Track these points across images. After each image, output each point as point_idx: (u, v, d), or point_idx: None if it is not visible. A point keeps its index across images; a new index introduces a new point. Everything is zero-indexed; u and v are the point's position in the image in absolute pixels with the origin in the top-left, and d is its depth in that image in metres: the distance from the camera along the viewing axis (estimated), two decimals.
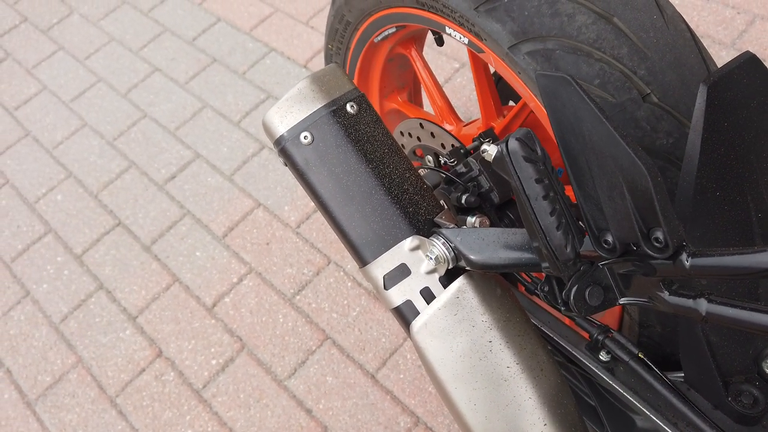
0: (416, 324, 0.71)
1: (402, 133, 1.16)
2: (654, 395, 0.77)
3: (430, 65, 1.21)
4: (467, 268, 0.72)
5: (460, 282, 0.72)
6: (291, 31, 2.13)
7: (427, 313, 0.71)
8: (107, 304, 1.65)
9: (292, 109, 0.75)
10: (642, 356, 0.78)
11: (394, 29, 1.09)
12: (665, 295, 0.56)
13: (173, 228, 1.76)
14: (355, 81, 1.25)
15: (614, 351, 0.79)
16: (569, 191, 0.82)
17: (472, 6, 0.81)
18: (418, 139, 1.13)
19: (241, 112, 1.96)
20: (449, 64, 1.93)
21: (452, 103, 1.21)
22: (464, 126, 1.17)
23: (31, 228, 1.83)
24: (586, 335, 0.84)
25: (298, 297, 1.57)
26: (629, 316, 0.88)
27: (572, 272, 0.60)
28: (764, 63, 0.64)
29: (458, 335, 0.70)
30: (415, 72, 1.26)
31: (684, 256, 0.51)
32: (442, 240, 0.72)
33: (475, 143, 1.00)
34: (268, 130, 0.77)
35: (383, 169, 0.75)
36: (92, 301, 1.66)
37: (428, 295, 0.72)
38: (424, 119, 1.10)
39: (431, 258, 0.72)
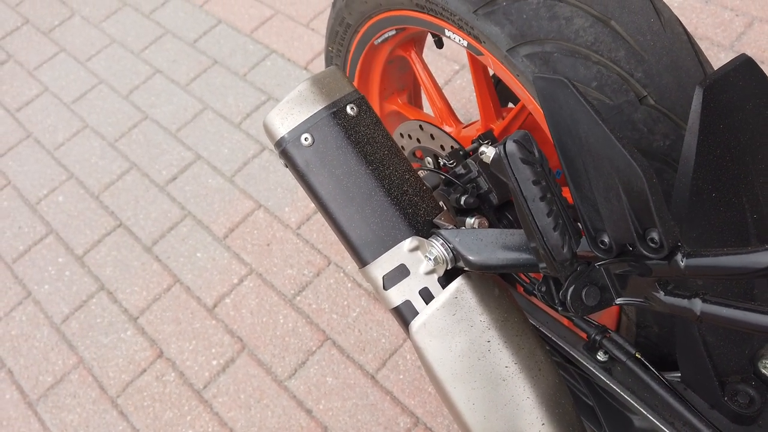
0: (415, 324, 0.72)
1: (402, 135, 1.17)
2: (651, 395, 0.77)
3: (429, 67, 1.22)
4: (466, 268, 0.72)
5: (458, 282, 0.72)
6: (291, 33, 2.14)
7: (425, 313, 0.72)
8: (108, 305, 1.65)
9: (292, 111, 0.76)
10: (639, 356, 0.79)
11: (394, 32, 1.10)
12: (661, 295, 0.56)
13: (174, 229, 1.76)
14: (355, 83, 1.26)
15: (612, 351, 0.80)
16: (567, 193, 0.83)
17: (471, 9, 0.82)
18: (418, 140, 1.13)
19: (241, 114, 1.97)
20: (449, 67, 1.94)
21: (452, 105, 1.22)
22: (463, 128, 1.18)
23: (33, 229, 1.84)
24: (584, 335, 0.85)
25: (298, 298, 1.58)
26: (626, 317, 0.88)
27: (569, 272, 0.61)
28: (762, 65, 0.65)
29: (457, 335, 0.71)
30: (414, 74, 1.27)
31: (679, 257, 0.52)
32: (441, 241, 0.72)
33: (474, 145, 1.01)
34: (269, 131, 0.77)
35: (383, 171, 0.75)
36: (93, 301, 1.67)
37: (427, 296, 0.73)
38: (423, 121, 1.11)
39: (430, 259, 0.72)
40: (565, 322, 0.91)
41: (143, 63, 2.19)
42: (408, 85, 1.35)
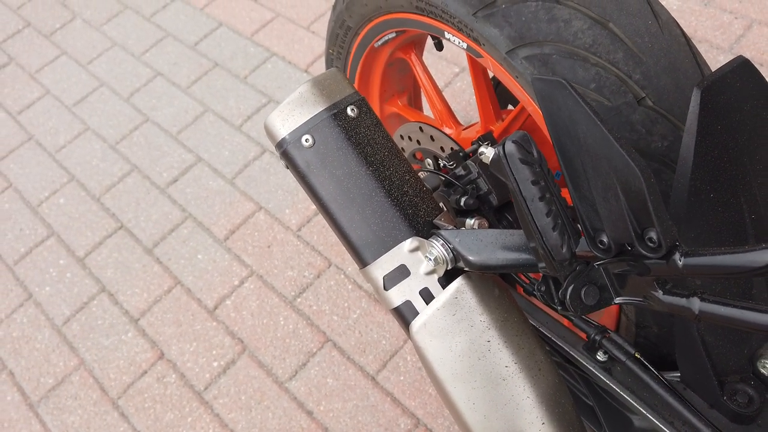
0: (415, 324, 0.73)
1: (402, 137, 1.17)
2: (651, 395, 0.77)
3: (429, 70, 1.23)
4: (466, 269, 0.73)
5: (458, 282, 0.73)
6: (292, 36, 2.15)
7: (426, 313, 0.72)
8: (109, 307, 1.66)
9: (293, 112, 0.76)
10: (639, 356, 0.79)
11: (394, 34, 1.11)
12: (659, 294, 0.57)
13: (175, 231, 1.77)
14: (355, 85, 1.27)
15: (611, 351, 0.80)
16: (566, 194, 0.83)
17: (470, 11, 0.82)
18: (418, 142, 1.14)
19: (242, 116, 1.98)
20: (449, 69, 1.95)
21: (451, 107, 1.23)
22: (463, 129, 1.19)
23: (34, 231, 1.85)
24: (584, 336, 0.85)
25: (299, 299, 1.58)
26: (626, 317, 0.89)
27: (568, 272, 0.61)
28: (761, 68, 0.65)
29: (457, 335, 0.71)
30: (414, 76, 1.27)
31: (677, 256, 0.53)
32: (441, 241, 0.73)
33: (474, 146, 1.01)
34: (269, 133, 0.78)
35: (383, 172, 0.76)
36: (94, 303, 1.67)
37: (427, 296, 0.73)
38: (423, 123, 1.11)
39: (430, 259, 0.73)
40: (565, 322, 0.91)
41: (144, 66, 2.19)
42: (408, 87, 1.36)
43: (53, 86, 2.21)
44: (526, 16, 0.78)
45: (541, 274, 0.67)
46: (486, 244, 0.70)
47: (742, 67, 0.64)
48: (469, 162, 0.95)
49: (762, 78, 0.65)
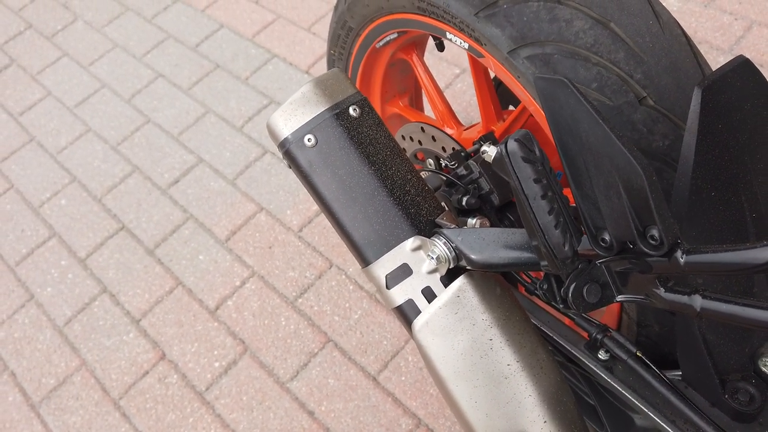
0: (418, 323, 0.73)
1: (403, 137, 1.18)
2: (652, 393, 0.78)
3: (431, 70, 1.23)
4: (468, 267, 0.73)
5: (460, 281, 0.73)
6: (293, 38, 2.15)
7: (428, 311, 0.72)
8: (111, 308, 1.66)
9: (296, 112, 0.77)
10: (640, 355, 0.79)
11: (395, 35, 1.11)
12: (661, 291, 0.57)
13: (176, 232, 1.77)
14: (357, 86, 1.27)
15: (613, 350, 0.81)
16: (567, 193, 0.83)
17: (472, 12, 0.83)
18: (419, 142, 1.14)
19: (243, 118, 1.98)
20: (450, 70, 1.95)
21: (453, 108, 1.23)
22: (465, 130, 1.19)
23: (36, 232, 1.85)
24: (585, 334, 0.86)
25: (300, 300, 1.58)
26: (627, 316, 0.89)
27: (570, 270, 0.61)
28: (761, 68, 0.66)
29: (459, 333, 0.72)
30: (416, 77, 1.28)
31: (679, 253, 0.53)
32: (444, 240, 0.73)
33: (476, 146, 1.02)
34: (272, 132, 0.78)
35: (385, 171, 0.76)
36: (96, 304, 1.67)
37: (429, 295, 0.74)
38: (425, 123, 1.12)
39: (432, 258, 0.73)
40: (566, 321, 0.91)
41: (145, 67, 2.20)
42: (409, 87, 1.36)
43: (55, 88, 2.21)
44: (528, 16, 0.78)
45: (543, 273, 0.67)
46: (488, 242, 0.70)
47: (742, 66, 0.65)
48: (470, 162, 0.95)
49: (762, 77, 0.66)
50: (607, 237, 0.58)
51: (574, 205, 0.61)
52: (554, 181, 0.60)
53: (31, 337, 1.65)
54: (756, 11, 1.83)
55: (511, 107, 1.25)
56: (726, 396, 0.72)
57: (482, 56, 0.88)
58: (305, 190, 1.77)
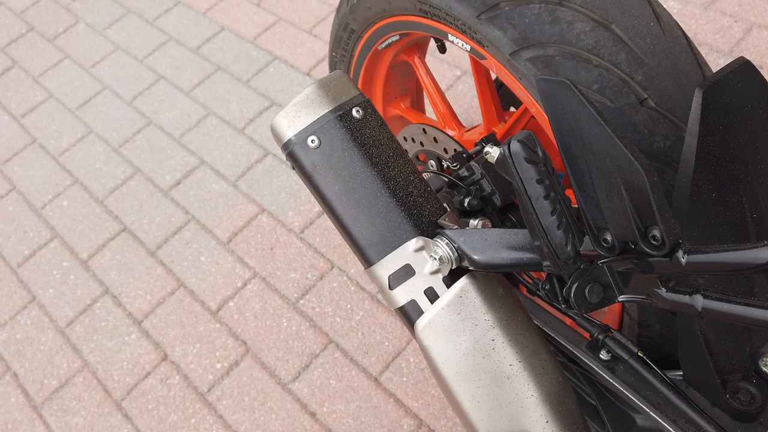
0: (420, 323, 0.73)
1: (405, 139, 1.18)
2: (653, 393, 0.78)
3: (432, 72, 1.24)
4: (470, 268, 0.73)
5: (463, 282, 0.73)
6: (294, 40, 2.16)
7: (431, 312, 0.73)
8: (113, 309, 1.66)
9: (299, 113, 0.77)
10: (641, 355, 0.80)
11: (397, 37, 1.12)
12: (662, 291, 0.57)
13: (178, 233, 1.78)
14: (359, 87, 1.27)
15: (614, 350, 0.81)
16: (569, 194, 0.84)
17: (474, 14, 0.83)
18: (421, 144, 1.15)
19: (245, 119, 1.99)
20: (451, 72, 1.96)
21: (454, 110, 1.23)
22: (466, 131, 1.20)
23: (38, 233, 1.85)
24: (587, 335, 0.86)
25: (302, 301, 1.59)
26: (629, 316, 0.89)
27: (572, 270, 0.62)
28: (761, 70, 0.66)
29: (461, 334, 0.72)
30: (417, 79, 1.28)
31: (680, 253, 0.53)
32: (446, 241, 0.73)
33: (477, 148, 1.02)
34: (276, 134, 0.79)
35: (388, 172, 0.77)
36: (98, 305, 1.68)
37: (432, 295, 0.74)
38: (427, 125, 1.12)
39: (435, 258, 0.73)
40: (568, 321, 0.92)
41: (147, 69, 2.21)
42: (411, 89, 1.37)
43: (56, 90, 2.22)
44: (529, 18, 0.79)
45: (545, 273, 0.67)
46: (490, 243, 0.71)
47: (743, 68, 0.65)
48: (472, 163, 0.96)
49: (763, 79, 0.66)
50: (608, 237, 0.58)
51: (576, 205, 0.61)
52: (556, 181, 0.60)
53: (33, 338, 1.65)
54: (756, 13, 1.83)
55: (512, 109, 1.26)
56: (727, 396, 0.72)
57: (484, 58, 0.88)
58: (307, 192, 1.78)
